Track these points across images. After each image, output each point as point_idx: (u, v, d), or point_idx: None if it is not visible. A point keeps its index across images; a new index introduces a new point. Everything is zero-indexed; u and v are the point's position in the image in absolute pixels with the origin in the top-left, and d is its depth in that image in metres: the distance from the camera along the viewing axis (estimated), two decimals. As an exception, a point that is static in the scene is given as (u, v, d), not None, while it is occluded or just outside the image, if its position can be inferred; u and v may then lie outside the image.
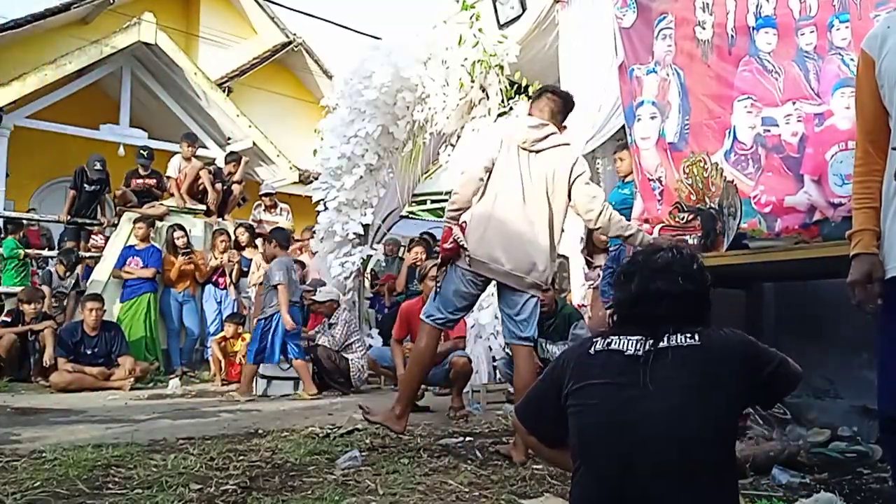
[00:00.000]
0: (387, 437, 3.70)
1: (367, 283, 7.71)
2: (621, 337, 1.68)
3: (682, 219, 3.77)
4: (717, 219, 3.57)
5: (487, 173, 3.33)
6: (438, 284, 3.40)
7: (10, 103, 9.85)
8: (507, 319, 3.42)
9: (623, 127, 4.69)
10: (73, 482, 2.72)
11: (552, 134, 3.38)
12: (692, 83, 4.08)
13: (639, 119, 4.37)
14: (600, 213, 3.37)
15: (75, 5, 11.22)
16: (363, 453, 3.22)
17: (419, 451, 3.35)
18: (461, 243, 3.26)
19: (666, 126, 4.20)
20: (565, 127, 3.49)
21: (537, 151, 3.33)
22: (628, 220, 4.69)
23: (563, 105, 3.48)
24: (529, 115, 3.47)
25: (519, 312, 3.37)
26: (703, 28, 4.01)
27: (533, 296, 3.38)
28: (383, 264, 8.04)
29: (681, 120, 4.12)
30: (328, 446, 3.44)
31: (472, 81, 5.83)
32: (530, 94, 5.88)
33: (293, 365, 6.00)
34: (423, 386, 4.90)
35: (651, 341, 1.63)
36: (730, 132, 3.87)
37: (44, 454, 3.21)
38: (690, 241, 3.60)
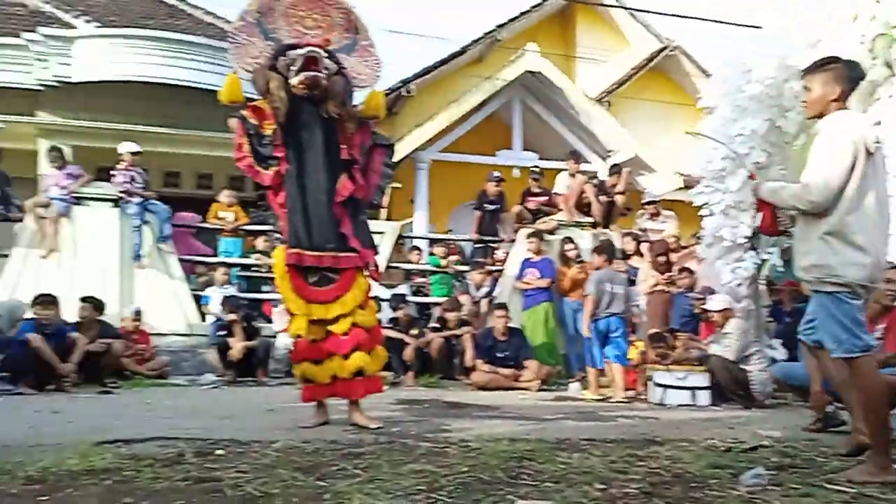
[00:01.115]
0: (797, 456, 3.43)
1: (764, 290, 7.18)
2: None
3: None
4: None
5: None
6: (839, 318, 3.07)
7: (427, 141, 11.61)
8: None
9: None
10: (493, 471, 2.99)
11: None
12: None
13: None
14: None
15: (470, 47, 12.56)
16: (770, 472, 3.03)
17: (837, 474, 3.01)
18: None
19: None
20: None
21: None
22: None
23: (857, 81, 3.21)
24: (835, 97, 3.13)
25: None
26: None
27: None
28: (780, 269, 7.39)
29: None
30: (730, 461, 3.30)
31: (874, 59, 5.07)
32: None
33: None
34: (837, 403, 4.40)
35: None
36: None
37: (469, 443, 3.62)
38: None
